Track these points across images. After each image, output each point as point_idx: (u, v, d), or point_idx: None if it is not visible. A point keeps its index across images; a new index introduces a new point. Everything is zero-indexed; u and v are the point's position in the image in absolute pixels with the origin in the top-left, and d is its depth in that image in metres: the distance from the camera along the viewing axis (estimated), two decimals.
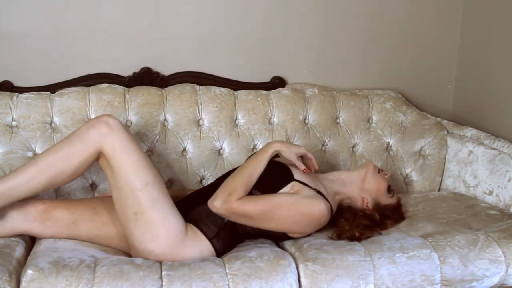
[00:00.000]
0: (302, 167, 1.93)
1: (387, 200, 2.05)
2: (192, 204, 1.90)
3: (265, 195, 1.85)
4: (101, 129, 1.74)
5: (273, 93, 2.41)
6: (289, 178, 1.90)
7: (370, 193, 2.02)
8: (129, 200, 1.74)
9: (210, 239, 1.81)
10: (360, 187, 2.02)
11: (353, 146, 2.45)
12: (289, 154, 1.92)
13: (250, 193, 1.85)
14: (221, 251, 1.82)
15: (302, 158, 1.97)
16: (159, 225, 1.74)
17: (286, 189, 1.89)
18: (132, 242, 1.76)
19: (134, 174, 1.73)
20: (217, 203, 1.79)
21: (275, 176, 1.92)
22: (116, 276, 1.58)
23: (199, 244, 1.80)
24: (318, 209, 1.84)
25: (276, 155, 1.96)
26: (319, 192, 1.89)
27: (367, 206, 1.99)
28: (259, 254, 1.73)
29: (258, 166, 1.89)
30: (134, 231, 1.75)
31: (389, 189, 2.06)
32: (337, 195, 2.00)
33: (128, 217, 1.75)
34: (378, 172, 2.07)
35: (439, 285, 1.77)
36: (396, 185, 2.43)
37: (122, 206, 1.76)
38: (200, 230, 1.82)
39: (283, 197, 1.85)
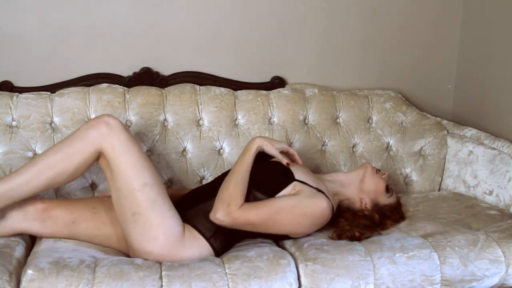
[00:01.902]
0: (285, 161, 1.93)
1: (386, 200, 2.05)
2: (189, 204, 1.90)
3: (265, 201, 1.84)
4: (101, 129, 1.74)
5: (273, 93, 2.41)
6: (290, 178, 1.90)
7: (368, 194, 2.02)
8: (128, 201, 1.74)
9: (207, 239, 1.81)
10: (358, 188, 2.03)
11: (353, 146, 2.45)
12: (271, 149, 1.93)
13: (252, 194, 1.85)
14: (219, 251, 1.82)
15: (285, 153, 1.98)
16: (157, 227, 1.74)
17: (287, 189, 1.88)
18: (131, 243, 1.76)
19: (133, 175, 1.73)
20: (219, 215, 1.77)
21: (276, 177, 1.91)
22: (116, 276, 1.58)
23: (197, 244, 1.80)
24: (319, 208, 1.84)
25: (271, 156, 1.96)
26: (320, 191, 1.89)
27: (365, 207, 1.99)
28: (258, 253, 1.73)
29: (247, 167, 1.88)
30: (132, 232, 1.75)
31: (388, 189, 2.06)
32: (336, 196, 2.00)
33: (126, 218, 1.75)
34: (376, 172, 2.07)
35: (439, 285, 1.77)
36: (396, 185, 2.43)
37: (121, 206, 1.76)
38: (197, 230, 1.82)
39: (284, 201, 1.84)
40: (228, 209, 1.77)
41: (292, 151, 2.00)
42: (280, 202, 1.83)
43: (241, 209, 1.78)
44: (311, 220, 1.85)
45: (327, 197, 1.88)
